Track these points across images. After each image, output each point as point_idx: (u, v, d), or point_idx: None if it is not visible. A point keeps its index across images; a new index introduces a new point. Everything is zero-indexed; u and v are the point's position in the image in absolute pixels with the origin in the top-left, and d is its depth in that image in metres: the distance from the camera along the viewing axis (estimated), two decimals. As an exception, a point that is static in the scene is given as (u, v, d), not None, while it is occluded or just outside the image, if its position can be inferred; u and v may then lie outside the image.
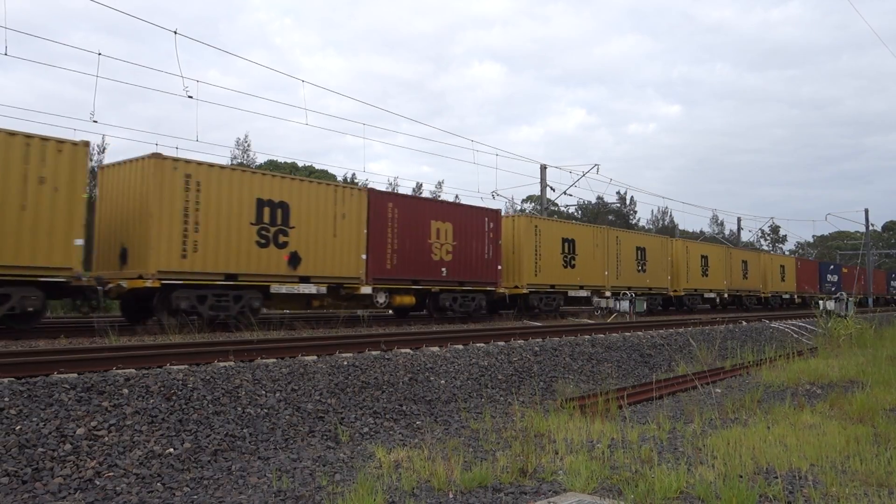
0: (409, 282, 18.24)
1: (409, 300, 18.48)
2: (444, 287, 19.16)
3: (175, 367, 8.16)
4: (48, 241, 11.87)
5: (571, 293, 23.88)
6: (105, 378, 7.29)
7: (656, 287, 28.58)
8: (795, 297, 42.23)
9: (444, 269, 19.05)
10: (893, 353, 14.13)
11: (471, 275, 19.93)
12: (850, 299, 26.45)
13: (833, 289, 45.89)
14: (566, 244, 23.80)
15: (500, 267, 20.93)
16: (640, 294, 26.51)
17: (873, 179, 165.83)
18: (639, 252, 27.74)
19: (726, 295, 33.74)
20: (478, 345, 12.36)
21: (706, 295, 32.20)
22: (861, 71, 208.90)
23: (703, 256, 32.13)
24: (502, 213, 22.12)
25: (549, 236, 22.99)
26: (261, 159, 57.60)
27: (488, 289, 20.56)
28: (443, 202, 20.85)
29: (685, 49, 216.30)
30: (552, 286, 22.92)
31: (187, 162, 13.97)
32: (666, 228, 77.32)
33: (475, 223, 20.30)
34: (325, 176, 50.20)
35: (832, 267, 49.25)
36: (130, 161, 14.16)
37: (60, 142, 12.19)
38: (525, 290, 21.79)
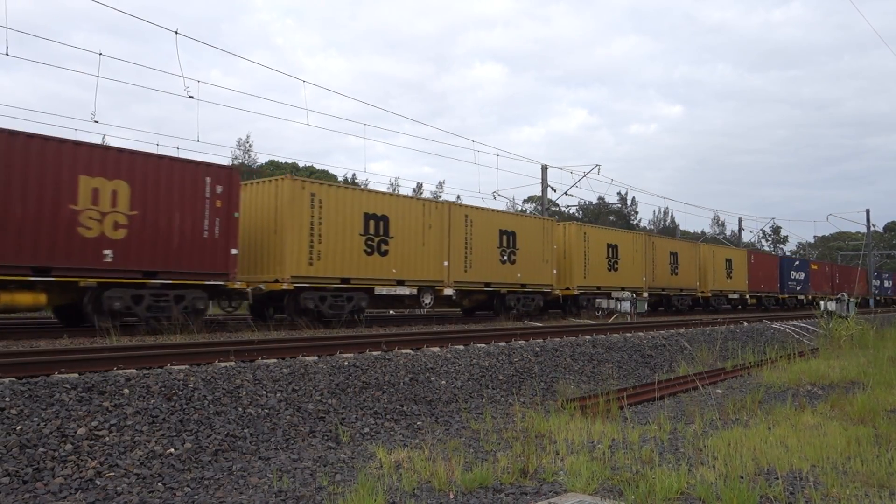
0: (28, 270, 11.71)
1: (27, 299, 12.04)
2: (111, 279, 12.65)
3: (176, 368, 8.16)
4: None
5: (382, 290, 17.39)
6: (106, 378, 7.29)
7: (533, 283, 22.21)
8: (747, 297, 35.72)
9: (108, 253, 12.55)
10: (894, 354, 14.12)
11: (171, 262, 13.41)
12: (852, 300, 26.39)
13: (798, 288, 40.60)
14: (373, 223, 17.13)
15: (234, 251, 14.45)
16: (509, 291, 21.45)
17: (875, 180, 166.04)
18: (504, 237, 21.37)
19: (646, 294, 27.80)
20: (479, 345, 12.36)
21: (615, 294, 26.23)
22: (863, 71, 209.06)
23: (610, 246, 26.13)
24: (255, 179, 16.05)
25: (340, 211, 16.44)
26: (262, 160, 57.72)
27: (211, 283, 14.12)
28: (108, 148, 13.34)
29: (687, 50, 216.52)
30: (345, 280, 16.46)
31: None
32: (667, 229, 77.36)
33: (183, 185, 13.65)
34: (325, 176, 50.12)
35: (797, 263, 42.72)
36: None
37: None
38: (289, 286, 15.24)
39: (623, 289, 26.14)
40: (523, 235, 22.11)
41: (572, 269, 24.25)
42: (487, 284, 20.61)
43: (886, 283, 56.72)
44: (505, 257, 21.36)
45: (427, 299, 18.74)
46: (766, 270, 38.04)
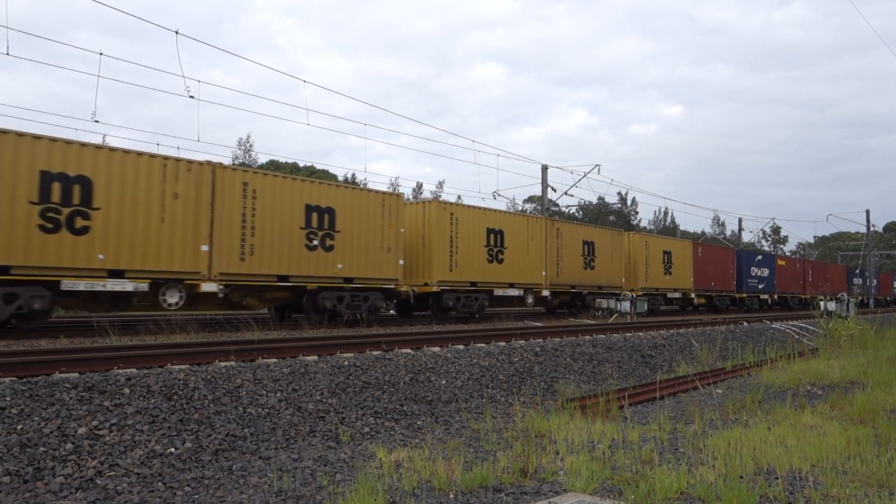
0: None
1: None
2: None
3: (176, 367, 8.17)
4: None
5: (79, 285, 12.25)
6: (106, 378, 7.30)
7: (363, 277, 17.07)
8: (693, 296, 30.75)
9: None
10: (894, 355, 14.13)
11: None
12: (852, 300, 26.42)
13: (760, 286, 35.62)
14: (59, 187, 11.99)
15: None
16: (325, 287, 16.26)
17: (875, 180, 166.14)
18: (315, 216, 16.07)
19: (546, 293, 22.74)
20: (479, 345, 12.36)
21: (498, 292, 21.07)
22: (863, 72, 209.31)
23: (493, 231, 20.78)
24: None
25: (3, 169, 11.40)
26: (263, 159, 57.74)
27: None
28: None
29: (687, 50, 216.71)
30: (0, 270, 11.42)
31: None
32: (667, 229, 77.30)
33: None
34: (326, 176, 50.22)
35: (759, 258, 36.72)
36: None
37: None
38: None
39: (511, 285, 21.43)
40: (347, 214, 16.79)
41: (432, 259, 18.84)
42: (284, 279, 15.39)
43: (870, 282, 49.95)
44: (315, 242, 15.98)
45: (172, 298, 13.67)
46: (719, 266, 32.83)
